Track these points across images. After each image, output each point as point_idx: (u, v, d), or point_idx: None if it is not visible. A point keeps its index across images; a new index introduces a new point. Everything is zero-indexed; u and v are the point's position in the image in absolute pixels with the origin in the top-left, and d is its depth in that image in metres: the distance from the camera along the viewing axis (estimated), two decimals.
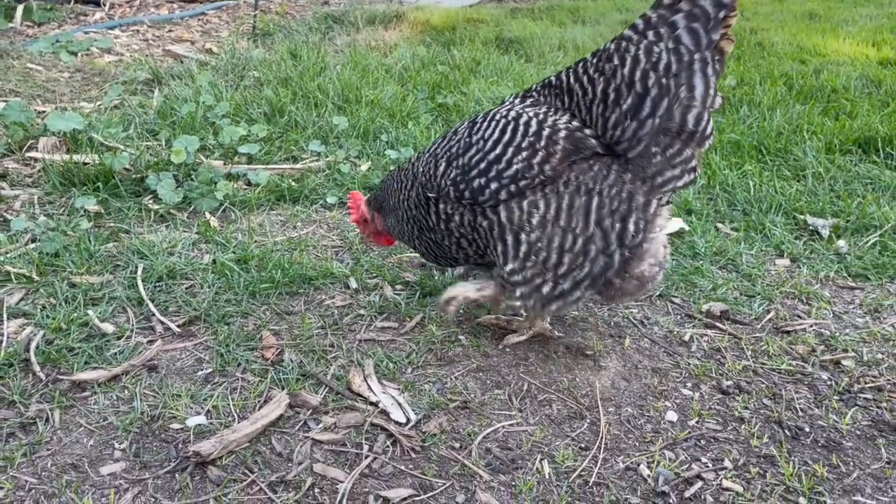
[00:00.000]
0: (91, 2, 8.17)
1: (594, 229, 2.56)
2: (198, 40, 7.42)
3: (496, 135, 2.66)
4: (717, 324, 3.21)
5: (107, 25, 7.52)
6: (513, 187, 2.60)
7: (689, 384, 2.86)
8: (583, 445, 2.55)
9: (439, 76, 6.16)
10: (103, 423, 2.51)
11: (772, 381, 2.89)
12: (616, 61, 2.49)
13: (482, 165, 2.65)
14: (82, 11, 7.99)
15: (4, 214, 3.77)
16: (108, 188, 3.99)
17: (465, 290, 2.91)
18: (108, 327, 2.95)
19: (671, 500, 2.32)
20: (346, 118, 5.00)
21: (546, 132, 2.58)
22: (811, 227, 3.98)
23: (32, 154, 4.33)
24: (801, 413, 2.72)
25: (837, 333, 3.16)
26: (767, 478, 2.42)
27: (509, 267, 2.67)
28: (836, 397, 2.80)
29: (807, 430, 2.63)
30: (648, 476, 2.42)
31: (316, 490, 2.31)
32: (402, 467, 2.41)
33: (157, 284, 3.28)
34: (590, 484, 2.38)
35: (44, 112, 4.93)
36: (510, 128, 2.64)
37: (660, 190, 2.58)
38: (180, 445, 2.43)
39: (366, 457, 2.44)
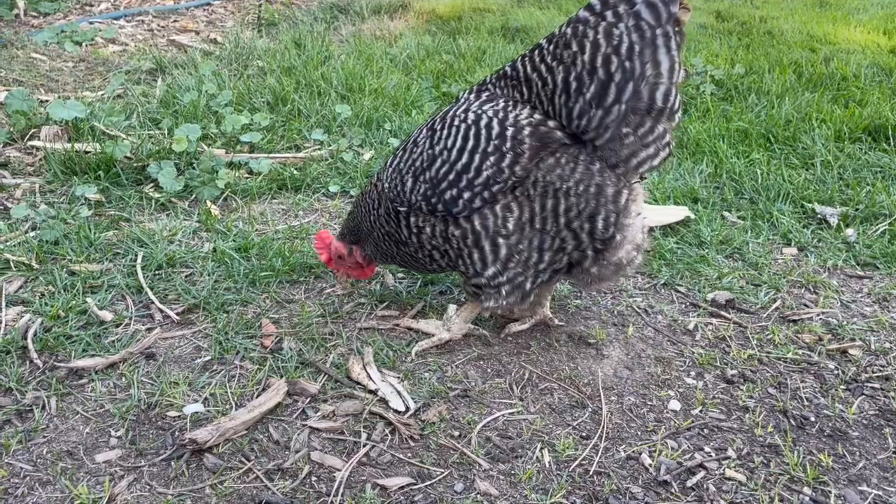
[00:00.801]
0: None
1: (565, 231, 2.54)
2: (203, 30, 7.38)
3: (459, 142, 2.55)
4: (723, 313, 3.16)
5: (112, 16, 7.49)
6: (486, 194, 2.53)
7: (692, 373, 2.82)
8: (584, 434, 2.51)
9: (444, 65, 6.11)
10: (100, 411, 2.50)
11: (777, 371, 2.84)
12: (575, 47, 2.37)
13: (451, 177, 2.56)
14: (87, 2, 7.97)
15: (5, 203, 3.76)
16: (109, 177, 3.97)
17: (439, 335, 2.90)
18: (107, 315, 2.93)
19: (673, 490, 2.29)
20: (350, 107, 4.96)
21: (510, 132, 2.48)
22: (819, 216, 3.92)
23: (34, 143, 4.31)
24: (806, 402, 2.67)
25: (845, 322, 3.11)
26: (771, 467, 2.38)
27: (490, 271, 2.63)
28: (842, 387, 2.75)
29: (812, 419, 2.59)
30: (650, 465, 2.38)
31: (313, 478, 2.28)
32: (401, 455, 2.39)
33: (157, 272, 3.26)
34: (590, 473, 2.35)
35: (47, 101, 4.91)
36: (472, 133, 2.53)
37: (636, 171, 2.51)
38: (177, 433, 2.41)
39: (364, 445, 2.41)
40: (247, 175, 4.22)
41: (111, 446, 2.36)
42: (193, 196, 3.95)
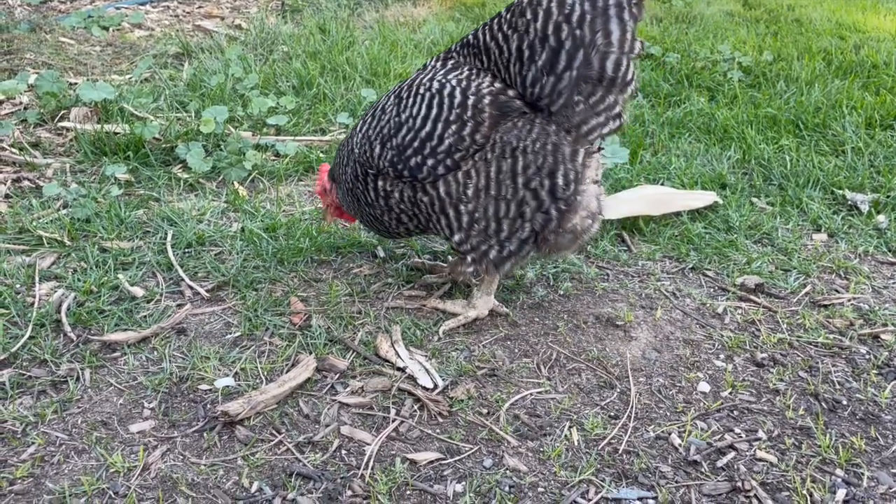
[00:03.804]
0: None
1: (524, 192, 2.56)
2: (227, 16, 7.40)
3: (423, 111, 2.61)
4: (752, 297, 3.14)
5: (137, 1, 7.54)
6: (448, 161, 2.59)
7: (722, 356, 2.80)
8: (612, 414, 2.51)
9: None
10: (133, 383, 2.53)
11: (808, 354, 2.82)
12: (528, 15, 2.42)
13: (416, 144, 2.62)
14: None
15: (37, 181, 3.80)
16: (139, 157, 4.01)
17: (465, 313, 2.91)
18: (138, 291, 2.97)
19: (703, 469, 2.28)
20: (375, 91, 4.97)
21: (471, 101, 2.54)
22: (850, 202, 3.87)
23: (64, 123, 4.36)
24: (838, 386, 2.65)
25: (876, 308, 3.07)
26: (803, 449, 2.36)
27: (456, 238, 2.69)
28: (874, 371, 2.72)
29: (844, 402, 2.57)
30: (680, 445, 2.37)
31: (343, 451, 2.30)
32: (430, 431, 2.40)
33: (187, 250, 3.29)
34: (619, 452, 2.34)
35: (76, 84, 4.96)
36: (435, 101, 2.59)
37: (586, 138, 2.55)
38: (208, 406, 2.44)
39: (393, 420, 2.43)
40: (273, 157, 4.24)
41: (144, 417, 2.39)
42: (221, 177, 3.97)
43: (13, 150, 4.05)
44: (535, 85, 2.49)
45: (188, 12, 7.48)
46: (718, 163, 4.26)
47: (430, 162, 2.61)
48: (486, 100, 2.53)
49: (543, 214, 2.59)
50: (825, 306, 3.10)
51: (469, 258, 2.72)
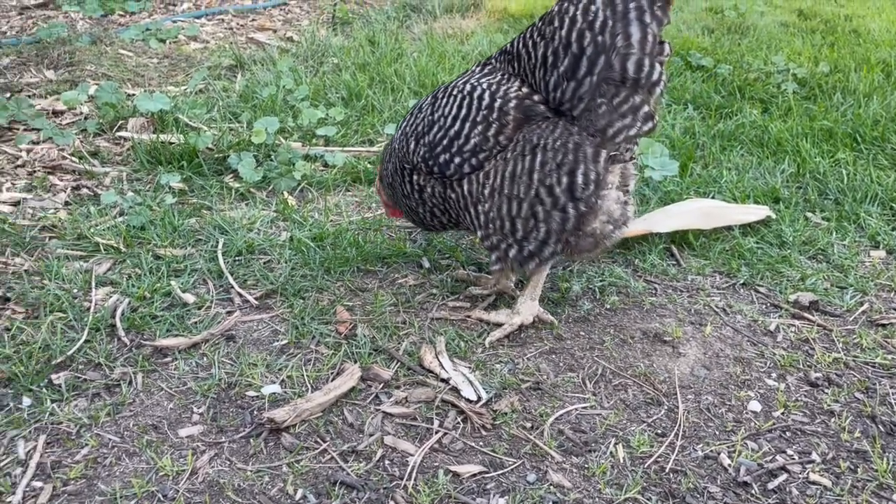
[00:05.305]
0: None
1: (538, 188, 2.58)
2: (279, 29, 7.56)
3: (454, 111, 2.73)
4: (806, 314, 3.05)
5: (193, 14, 7.75)
6: (473, 160, 2.69)
7: (774, 375, 2.73)
8: (659, 432, 2.46)
9: None
10: (183, 388, 2.58)
11: (865, 375, 2.73)
12: (556, 23, 2.50)
13: (445, 142, 2.74)
14: (171, 1, 8.26)
15: (95, 189, 3.93)
16: (192, 166, 4.11)
17: (510, 321, 2.91)
18: (190, 297, 3.03)
19: (753, 491, 2.22)
20: None
21: (497, 103, 2.64)
22: None
23: (122, 133, 4.49)
24: None
25: None
26: (859, 473, 2.28)
27: (479, 234, 2.77)
28: None
29: None
30: (729, 465, 2.32)
31: (386, 461, 2.31)
32: (473, 444, 2.39)
33: (237, 259, 3.35)
34: (666, 470, 2.30)
35: (133, 94, 5.11)
36: (465, 102, 2.71)
37: (613, 141, 2.55)
38: (255, 412, 2.47)
39: (436, 432, 2.43)
40: (322, 167, 4.30)
41: (193, 422, 2.44)
42: (271, 187, 4.04)
43: (73, 158, 4.20)
44: (556, 90, 2.55)
45: (242, 25, 7.65)
46: (771, 176, 4.16)
47: (457, 160, 2.72)
48: (512, 103, 2.63)
49: (560, 213, 2.60)
50: (883, 325, 3.00)
51: (494, 256, 2.78)
